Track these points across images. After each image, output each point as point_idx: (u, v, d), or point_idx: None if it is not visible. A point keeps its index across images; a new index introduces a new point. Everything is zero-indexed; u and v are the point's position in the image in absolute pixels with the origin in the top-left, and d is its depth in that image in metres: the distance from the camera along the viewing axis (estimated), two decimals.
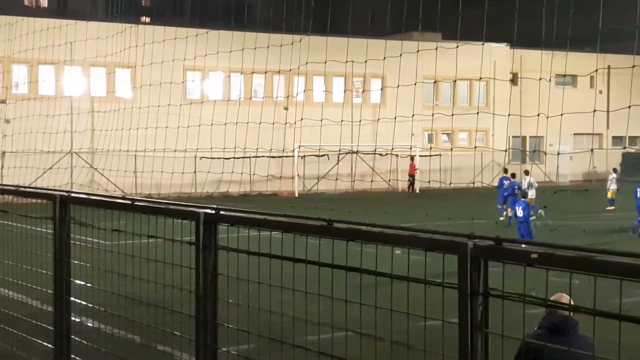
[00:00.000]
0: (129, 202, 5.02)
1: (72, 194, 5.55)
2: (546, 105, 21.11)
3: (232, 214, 4.36)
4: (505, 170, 34.86)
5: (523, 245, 3.04)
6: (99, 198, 5.43)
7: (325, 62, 21.66)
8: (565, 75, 54.39)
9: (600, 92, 58.22)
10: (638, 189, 27.46)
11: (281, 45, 18.22)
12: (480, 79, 49.77)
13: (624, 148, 56.53)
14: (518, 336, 3.20)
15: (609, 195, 35.55)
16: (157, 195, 41.42)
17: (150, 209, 4.84)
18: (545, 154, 45.45)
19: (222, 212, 4.36)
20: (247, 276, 4.50)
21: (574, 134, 55.54)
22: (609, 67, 53.80)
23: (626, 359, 2.81)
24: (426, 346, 3.43)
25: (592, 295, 2.84)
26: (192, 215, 4.41)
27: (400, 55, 17.32)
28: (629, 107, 10.00)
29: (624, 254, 2.68)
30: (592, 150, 50.34)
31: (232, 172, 39.55)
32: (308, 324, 4.35)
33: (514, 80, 54.42)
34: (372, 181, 44.40)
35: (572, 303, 4.84)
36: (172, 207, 4.72)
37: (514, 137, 54.63)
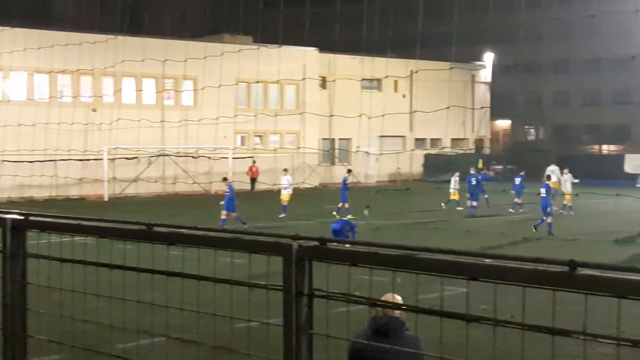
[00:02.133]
0: None
1: None
2: (354, 108, 21.72)
3: (43, 219, 4.13)
4: (349, 171, 36.73)
5: (347, 245, 3.07)
6: None
7: (143, 60, 21.23)
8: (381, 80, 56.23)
9: (404, 96, 60.75)
10: (542, 189, 28.80)
11: (106, 47, 17.71)
12: (298, 83, 50.52)
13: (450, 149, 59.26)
14: (344, 336, 3.22)
15: (452, 196, 36.82)
16: None
17: None
18: (368, 153, 46.78)
19: (31, 218, 4.12)
20: (59, 284, 4.28)
21: (380, 136, 57.54)
22: (411, 72, 56.17)
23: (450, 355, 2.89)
24: (250, 349, 3.39)
25: (415, 292, 2.90)
26: None
27: (228, 53, 17.29)
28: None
29: (444, 251, 2.76)
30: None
31: (41, 176, 38.06)
32: (126, 332, 4.20)
33: (323, 84, 55.70)
34: (194, 182, 43.91)
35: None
36: None
37: (323, 139, 55.89)
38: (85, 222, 3.94)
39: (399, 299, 4.45)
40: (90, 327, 4.44)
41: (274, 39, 42.93)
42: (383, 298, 4.17)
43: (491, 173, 51.26)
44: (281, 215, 32.04)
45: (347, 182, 33.96)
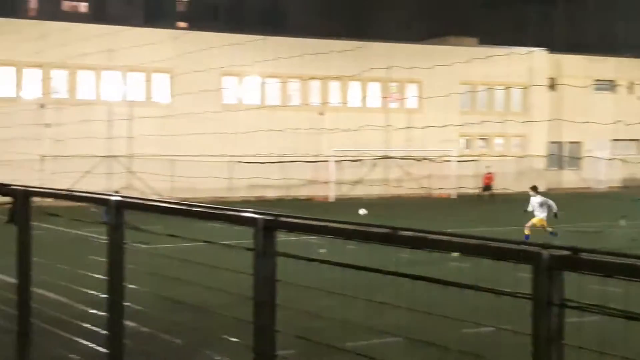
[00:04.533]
0: (186, 207, 5.02)
1: (127, 199, 5.56)
2: (585, 111, 20.84)
3: (292, 220, 4.34)
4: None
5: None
6: (154, 203, 5.43)
7: (392, 69, 21.63)
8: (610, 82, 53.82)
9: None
10: None
11: (333, 52, 18.29)
12: (510, 86, 49.48)
13: None
14: (596, 348, 3.14)
15: None
16: (193, 199, 41.63)
17: (208, 215, 4.83)
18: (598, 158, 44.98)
19: (281, 219, 4.34)
20: (303, 283, 4.49)
21: (613, 139, 54.86)
22: None
23: None
24: (497, 358, 3.39)
25: None
26: (251, 222, 4.39)
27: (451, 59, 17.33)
28: None
29: None
30: None
31: (265, 178, 39.82)
32: (358, 330, 4.32)
33: (552, 85, 53.93)
34: (421, 187, 44.25)
35: None
36: (229, 212, 4.70)
37: (551, 142, 54.14)
38: (331, 224, 4.09)
39: None
40: (325, 324, 4.62)
41: (500, 40, 42.23)
42: None
43: None
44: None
45: None
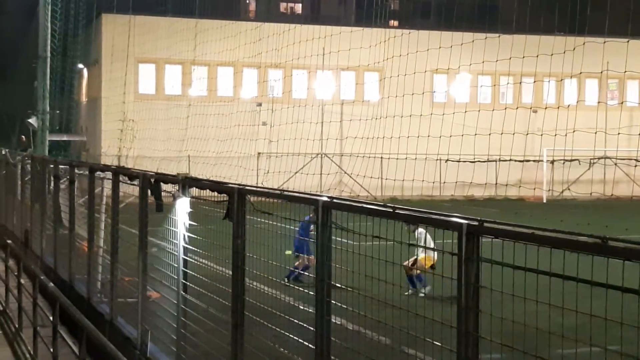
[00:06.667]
0: (390, 209, 5.08)
1: (334, 200, 5.71)
2: None
3: (497, 226, 4.28)
4: None
5: None
6: (360, 205, 5.53)
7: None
8: None
9: None
10: None
11: (548, 49, 17.74)
12: None
13: None
14: None
15: None
16: (401, 197, 41.90)
17: (412, 218, 4.87)
18: None
19: (485, 225, 4.29)
20: (507, 289, 4.40)
21: None
22: None
23: None
24: None
25: None
26: (455, 226, 4.38)
27: None
28: None
29: None
30: None
31: (477, 177, 39.28)
32: (565, 339, 4.21)
33: None
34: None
35: None
36: (434, 216, 4.71)
37: None
38: (538, 232, 3.99)
39: None
40: (530, 330, 4.51)
41: None
42: None
43: None
44: None
45: None
